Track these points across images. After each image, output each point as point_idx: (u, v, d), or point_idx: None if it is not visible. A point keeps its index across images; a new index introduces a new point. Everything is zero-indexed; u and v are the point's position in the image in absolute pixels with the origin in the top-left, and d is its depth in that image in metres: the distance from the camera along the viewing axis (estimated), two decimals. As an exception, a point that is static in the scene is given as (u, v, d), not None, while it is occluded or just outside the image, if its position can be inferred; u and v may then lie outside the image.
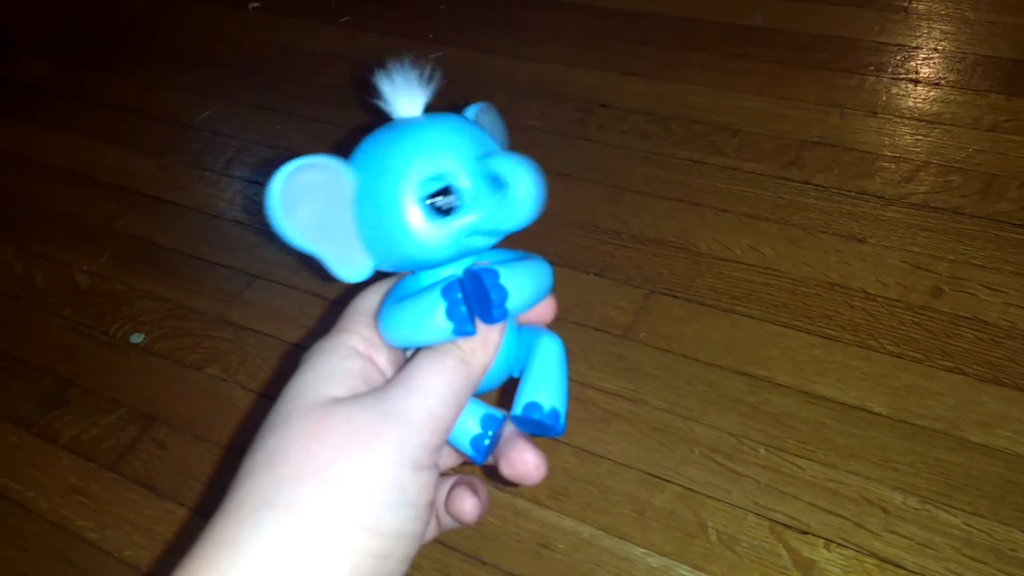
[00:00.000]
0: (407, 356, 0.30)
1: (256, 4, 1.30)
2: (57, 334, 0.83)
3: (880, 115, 0.91)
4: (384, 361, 0.28)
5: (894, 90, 0.94)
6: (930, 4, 1.06)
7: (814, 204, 0.82)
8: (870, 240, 0.78)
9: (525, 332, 0.31)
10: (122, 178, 1.01)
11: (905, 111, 0.91)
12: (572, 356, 0.30)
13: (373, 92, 0.28)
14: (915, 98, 0.93)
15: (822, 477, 0.62)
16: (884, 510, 0.60)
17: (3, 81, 1.23)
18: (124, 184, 1.00)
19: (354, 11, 1.24)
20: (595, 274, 0.79)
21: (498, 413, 0.29)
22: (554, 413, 0.29)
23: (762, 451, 0.64)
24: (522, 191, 0.25)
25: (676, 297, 0.76)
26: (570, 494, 0.64)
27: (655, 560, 0.59)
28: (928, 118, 0.90)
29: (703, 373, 0.70)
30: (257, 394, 0.75)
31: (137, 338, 0.81)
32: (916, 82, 0.95)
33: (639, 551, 0.60)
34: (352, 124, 1.02)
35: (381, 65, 0.28)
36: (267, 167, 0.99)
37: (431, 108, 0.29)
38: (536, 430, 0.29)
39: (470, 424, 0.29)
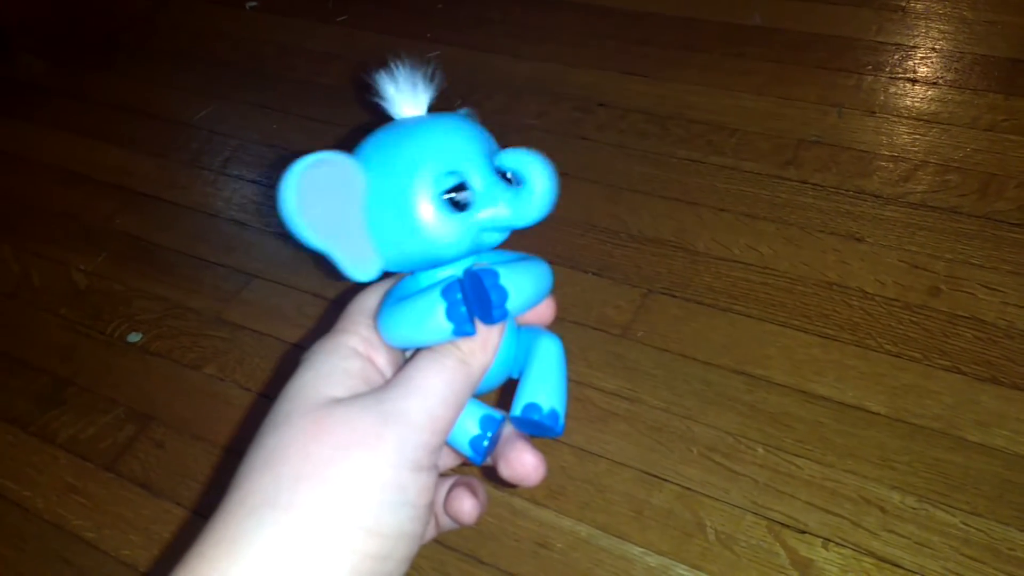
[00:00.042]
0: (406, 356, 0.30)
1: (254, 3, 1.30)
2: (54, 333, 0.83)
3: (878, 114, 0.91)
4: (383, 361, 0.28)
5: (892, 89, 0.94)
6: (928, 3, 1.06)
7: (812, 203, 0.82)
8: (868, 239, 0.78)
9: (524, 333, 0.31)
10: (120, 177, 1.01)
11: (903, 110, 0.91)
12: (570, 355, 0.30)
13: (374, 92, 0.28)
14: (913, 97, 0.93)
15: (820, 476, 0.62)
16: (882, 509, 0.60)
17: (2, 80, 1.23)
18: (122, 183, 1.00)
19: (352, 10, 1.24)
20: (593, 273, 0.79)
21: (497, 414, 0.29)
22: (553, 414, 0.29)
23: (760, 450, 0.64)
24: (540, 185, 0.26)
25: (674, 296, 0.76)
26: (568, 493, 0.64)
27: (653, 559, 0.59)
28: (926, 117, 0.90)
29: (701, 372, 0.70)
30: (255, 393, 0.75)
31: (134, 337, 0.81)
32: (914, 81, 0.95)
33: (637, 550, 0.60)
34: (350, 123, 1.01)
35: (381, 65, 0.28)
36: (265, 166, 0.99)
37: (428, 108, 0.29)
38: (535, 431, 0.29)
39: (469, 425, 0.29)
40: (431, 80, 0.28)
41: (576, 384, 0.70)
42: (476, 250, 0.28)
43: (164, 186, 0.98)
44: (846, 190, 0.83)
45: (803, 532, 0.59)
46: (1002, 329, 0.69)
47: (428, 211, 0.26)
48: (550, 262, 0.30)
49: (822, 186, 0.84)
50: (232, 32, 1.25)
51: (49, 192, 1.01)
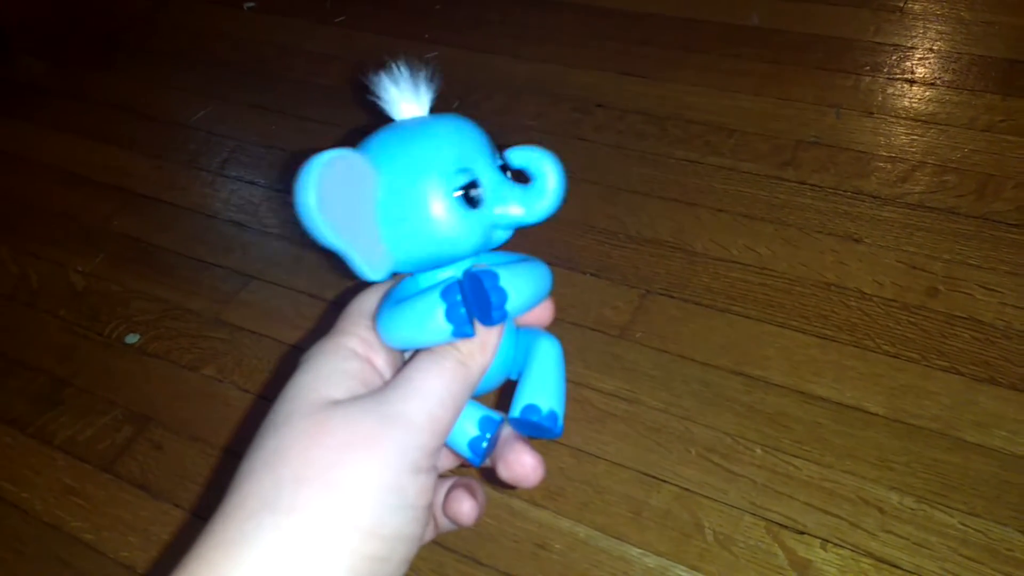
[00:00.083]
0: (405, 358, 0.30)
1: (251, 4, 1.30)
2: (52, 334, 0.83)
3: (876, 115, 0.91)
4: (382, 363, 0.28)
5: (890, 90, 0.94)
6: (926, 4, 1.06)
7: (810, 204, 0.83)
8: (866, 240, 0.78)
9: (523, 334, 0.31)
10: (119, 178, 1.00)
11: (901, 111, 0.91)
12: (568, 356, 0.30)
13: (375, 92, 0.28)
14: (911, 98, 0.93)
15: (818, 477, 0.62)
16: (880, 510, 0.60)
17: (2, 80, 1.23)
18: (121, 184, 1.00)
19: (350, 11, 1.24)
20: (591, 274, 0.79)
21: (496, 415, 0.29)
22: (552, 415, 0.29)
23: (758, 451, 0.64)
24: (551, 182, 0.27)
25: (672, 297, 0.76)
26: (566, 494, 0.64)
27: (651, 560, 0.59)
28: (924, 118, 0.90)
29: (699, 373, 0.70)
30: (253, 395, 0.75)
31: (132, 338, 0.81)
32: (912, 82, 0.95)
33: (635, 551, 0.60)
34: (348, 124, 1.01)
35: (380, 66, 0.28)
36: (263, 167, 0.99)
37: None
38: (534, 432, 0.29)
39: (468, 426, 0.29)
40: (431, 81, 0.28)
41: (574, 385, 0.70)
42: (485, 247, 0.28)
43: (163, 187, 0.98)
44: (844, 191, 0.83)
45: (801, 533, 0.59)
46: (1000, 330, 0.69)
47: (442, 208, 0.26)
48: (548, 263, 0.30)
49: (820, 187, 0.84)
50: (231, 33, 1.25)
51: (48, 193, 1.01)
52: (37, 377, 0.79)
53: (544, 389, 0.29)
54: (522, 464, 0.28)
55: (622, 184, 0.88)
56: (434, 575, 0.61)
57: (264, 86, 1.12)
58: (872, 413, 0.65)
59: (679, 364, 0.71)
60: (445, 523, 0.31)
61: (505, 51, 1.10)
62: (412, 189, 0.26)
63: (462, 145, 0.27)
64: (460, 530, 0.31)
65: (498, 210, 0.27)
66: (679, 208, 0.84)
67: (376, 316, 0.28)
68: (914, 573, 0.57)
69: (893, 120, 0.90)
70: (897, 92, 0.94)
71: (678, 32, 1.08)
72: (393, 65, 0.28)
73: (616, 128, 0.95)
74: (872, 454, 0.63)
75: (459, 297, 0.26)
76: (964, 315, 0.71)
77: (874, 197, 0.82)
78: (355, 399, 0.26)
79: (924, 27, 1.02)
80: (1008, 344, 0.68)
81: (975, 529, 0.58)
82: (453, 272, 0.28)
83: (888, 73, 0.97)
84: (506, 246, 0.30)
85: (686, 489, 0.63)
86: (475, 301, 0.26)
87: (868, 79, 0.96)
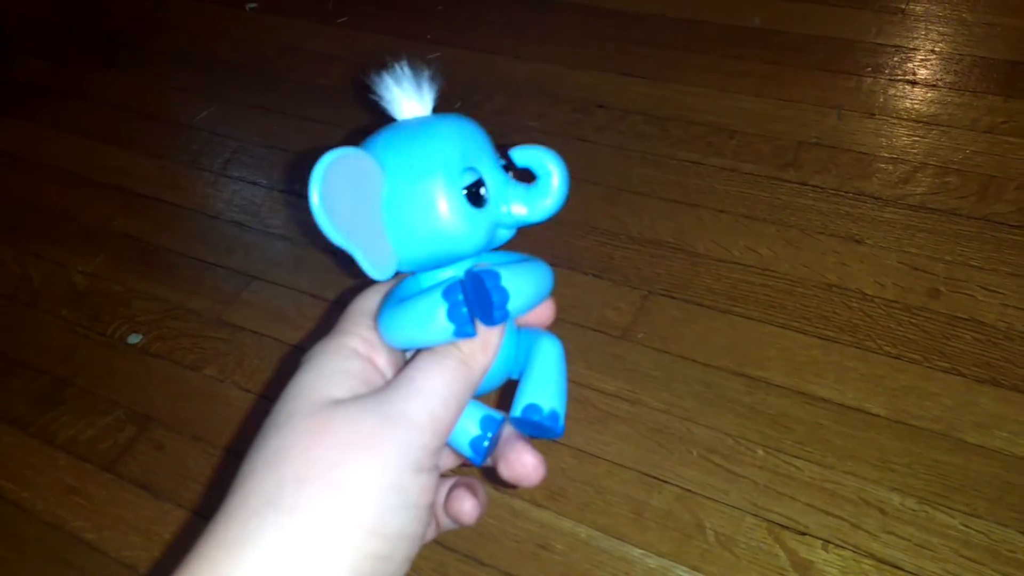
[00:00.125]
0: (406, 357, 0.30)
1: (253, 4, 1.30)
2: (54, 334, 0.83)
3: (878, 116, 0.91)
4: (384, 362, 0.28)
5: (892, 91, 0.94)
6: (928, 6, 1.06)
7: (812, 205, 0.83)
8: (867, 241, 0.78)
9: (524, 334, 0.31)
10: (120, 178, 1.01)
11: (903, 112, 0.91)
12: (570, 357, 0.30)
13: (377, 93, 0.28)
14: (912, 99, 0.93)
15: (820, 478, 0.62)
16: (882, 511, 0.60)
17: (2, 81, 1.23)
18: (122, 184, 1.00)
19: (352, 12, 1.24)
20: (593, 275, 0.79)
21: (497, 415, 0.29)
22: (553, 415, 0.29)
23: (760, 452, 0.64)
24: (555, 181, 0.27)
25: (674, 298, 0.76)
26: (568, 495, 0.64)
27: (653, 561, 0.59)
28: (925, 119, 0.90)
29: (701, 374, 0.70)
30: (255, 395, 0.75)
31: (134, 338, 0.81)
32: (914, 83, 0.95)
33: (637, 552, 0.60)
34: (351, 125, 1.01)
35: (382, 66, 0.28)
36: (265, 168, 0.99)
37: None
38: (535, 432, 0.29)
39: (469, 425, 0.29)
40: (433, 81, 0.28)
41: (576, 386, 0.70)
42: (488, 247, 0.28)
43: (164, 187, 0.98)
44: (846, 192, 0.83)
45: (803, 534, 0.59)
46: (1002, 331, 0.69)
47: (448, 207, 0.26)
48: (550, 264, 0.30)
49: (822, 188, 0.84)
50: (233, 33, 1.25)
51: (49, 193, 1.01)
52: (39, 377, 0.79)
53: (545, 389, 0.29)
54: (523, 463, 0.28)
55: (623, 185, 0.88)
56: (436, 575, 0.61)
57: (266, 87, 1.12)
58: (874, 414, 0.65)
59: (681, 365, 0.71)
60: (446, 522, 0.31)
61: (506, 52, 1.11)
62: (418, 188, 0.26)
63: (466, 144, 0.27)
64: (461, 530, 0.31)
65: (503, 209, 0.27)
66: (681, 209, 0.85)
67: (378, 316, 0.28)
68: (915, 574, 0.57)
69: (895, 121, 0.90)
70: (899, 93, 0.94)
71: (679, 33, 1.08)
72: (395, 65, 0.28)
73: (617, 129, 0.95)
74: (874, 455, 0.63)
75: (461, 297, 0.26)
76: (966, 316, 0.71)
77: (876, 198, 0.82)
78: (357, 398, 0.26)
79: (926, 28, 1.02)
80: (1010, 345, 0.68)
81: (977, 530, 0.58)
82: (455, 272, 0.28)
83: (890, 74, 0.97)
84: (507, 246, 0.30)
85: (687, 490, 0.63)
86: (477, 301, 0.26)
87: (870, 80, 0.96)
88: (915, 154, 0.86)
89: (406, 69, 0.28)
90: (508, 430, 0.29)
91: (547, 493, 0.64)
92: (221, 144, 1.03)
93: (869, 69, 0.98)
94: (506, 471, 0.28)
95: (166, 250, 0.90)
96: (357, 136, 0.28)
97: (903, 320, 0.71)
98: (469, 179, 0.26)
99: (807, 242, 0.79)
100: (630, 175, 0.89)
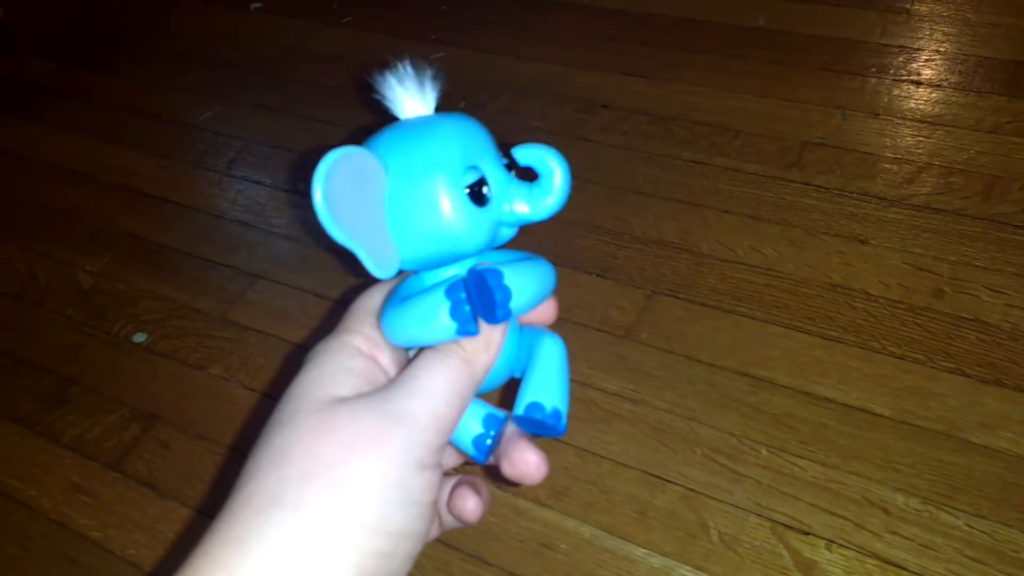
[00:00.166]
0: (409, 356, 0.30)
1: (258, 4, 1.30)
2: (60, 333, 0.83)
3: (882, 116, 0.91)
4: (387, 360, 0.28)
5: (896, 92, 0.94)
6: (932, 6, 1.06)
7: (816, 205, 0.82)
8: (872, 241, 0.78)
9: (527, 333, 0.31)
10: (125, 178, 1.01)
11: (907, 113, 0.91)
12: (573, 356, 0.31)
13: (381, 92, 0.28)
14: (917, 100, 0.93)
15: (823, 478, 0.62)
16: (885, 511, 0.60)
17: (7, 81, 1.23)
18: (127, 184, 1.00)
19: (356, 12, 1.24)
20: (597, 275, 0.79)
21: (500, 413, 0.29)
22: (556, 413, 0.29)
23: (763, 452, 0.64)
24: (558, 179, 0.27)
25: (678, 298, 0.76)
26: (572, 494, 0.64)
27: (656, 560, 0.59)
28: (930, 120, 0.90)
29: (705, 374, 0.70)
30: (259, 394, 0.75)
31: (140, 338, 0.81)
32: (918, 84, 0.95)
33: (640, 551, 0.60)
34: (355, 124, 1.02)
35: (386, 66, 0.28)
36: (269, 168, 0.99)
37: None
38: (538, 430, 0.30)
39: (472, 424, 0.29)
40: (436, 81, 0.28)
41: (579, 385, 0.70)
42: (491, 245, 0.28)
43: (169, 187, 0.99)
44: (850, 192, 0.83)
45: (807, 534, 0.59)
46: (1006, 331, 0.69)
47: (451, 206, 0.26)
48: (553, 263, 0.30)
49: (826, 188, 0.84)
50: (237, 33, 1.25)
51: (54, 192, 1.01)
52: (45, 376, 0.80)
53: (548, 387, 0.29)
54: (526, 462, 0.28)
55: (627, 185, 0.88)
56: (439, 573, 0.61)
57: (270, 86, 1.12)
58: (878, 414, 0.65)
59: (684, 365, 0.71)
60: (450, 520, 0.31)
61: (510, 52, 1.11)
62: (421, 186, 0.26)
63: (469, 143, 0.27)
64: (465, 528, 0.31)
65: (505, 207, 0.27)
66: (684, 209, 0.85)
67: (381, 314, 0.29)
68: (919, 574, 0.56)
69: (899, 121, 0.90)
70: (903, 94, 0.94)
71: (682, 33, 1.08)
72: (399, 65, 0.28)
73: (621, 129, 0.95)
74: (877, 455, 0.63)
75: (463, 295, 0.26)
76: (970, 316, 0.71)
77: (880, 198, 0.82)
78: (360, 397, 0.26)
79: (930, 29, 1.02)
80: (1014, 346, 0.68)
81: (980, 530, 0.58)
82: (457, 270, 0.28)
83: (894, 75, 0.97)
84: (510, 245, 0.30)
85: (691, 489, 0.63)
86: (479, 299, 0.26)
87: (874, 80, 0.96)
88: (919, 154, 0.86)
89: (409, 69, 0.28)
90: (511, 428, 0.29)
91: (551, 492, 0.64)
92: (225, 144, 1.04)
93: (873, 69, 0.98)
94: (509, 469, 0.29)
95: (171, 249, 0.91)
96: (360, 135, 0.28)
97: (907, 320, 0.71)
98: (471, 178, 0.26)
99: (811, 242, 0.79)
100: (634, 175, 0.89)
